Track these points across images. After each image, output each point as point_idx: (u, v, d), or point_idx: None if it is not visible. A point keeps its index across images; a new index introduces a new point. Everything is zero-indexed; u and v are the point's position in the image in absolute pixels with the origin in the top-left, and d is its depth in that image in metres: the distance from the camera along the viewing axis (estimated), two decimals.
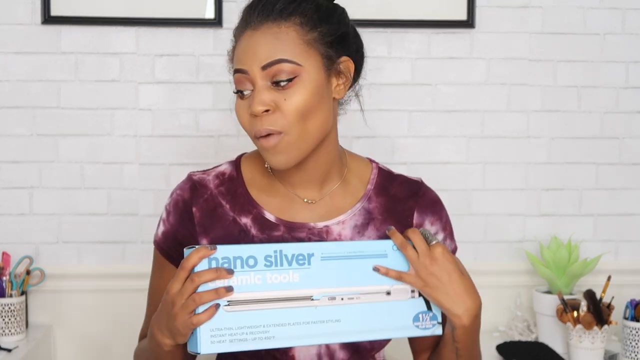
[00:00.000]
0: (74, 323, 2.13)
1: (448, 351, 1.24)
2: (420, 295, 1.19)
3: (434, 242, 1.18)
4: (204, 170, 1.31)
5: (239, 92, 1.20)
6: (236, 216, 1.26)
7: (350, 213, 1.28)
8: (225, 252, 1.12)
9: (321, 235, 1.25)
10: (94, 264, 2.13)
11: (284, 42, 1.18)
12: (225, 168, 1.31)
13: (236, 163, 1.32)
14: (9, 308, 1.97)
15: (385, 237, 1.24)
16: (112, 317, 2.12)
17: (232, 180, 1.29)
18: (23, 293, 2.02)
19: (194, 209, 1.26)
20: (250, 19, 1.20)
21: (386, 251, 1.19)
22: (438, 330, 1.21)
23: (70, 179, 2.12)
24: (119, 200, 2.12)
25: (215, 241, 1.26)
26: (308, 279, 1.14)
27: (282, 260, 1.14)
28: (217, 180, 1.29)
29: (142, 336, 1.34)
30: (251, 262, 1.13)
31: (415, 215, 1.31)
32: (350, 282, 1.17)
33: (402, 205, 1.31)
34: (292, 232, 1.25)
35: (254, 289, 1.12)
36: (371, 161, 1.36)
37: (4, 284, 1.99)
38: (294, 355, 1.24)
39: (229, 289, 1.10)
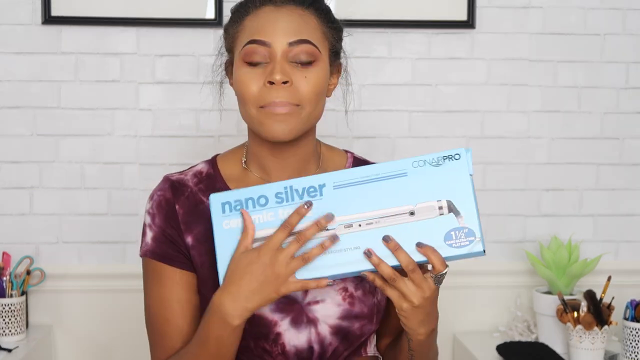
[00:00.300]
0: (74, 323, 2.13)
1: (404, 357, 1.27)
2: (450, 211, 1.09)
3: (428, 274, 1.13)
4: (180, 172, 1.33)
5: (251, 63, 1.21)
6: None
7: None
8: (237, 195, 1.13)
9: None
10: (94, 264, 2.13)
11: (309, 26, 1.23)
12: (202, 167, 1.33)
13: (212, 162, 1.34)
14: (9, 308, 1.97)
15: None
16: (112, 317, 2.12)
17: (210, 178, 1.31)
18: (23, 293, 2.02)
19: (177, 207, 1.28)
20: None
21: (405, 169, 1.11)
22: (477, 247, 1.08)
23: (71, 179, 2.12)
24: (119, 200, 2.12)
25: (199, 238, 1.27)
26: (321, 210, 1.11)
27: (293, 195, 1.12)
28: (196, 179, 1.31)
29: None
30: (262, 201, 1.12)
31: None
32: (368, 207, 1.10)
33: None
34: None
35: (268, 225, 1.12)
36: (347, 151, 1.39)
37: (4, 284, 1.99)
38: (284, 343, 1.24)
39: (334, 238, 1.11)
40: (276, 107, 1.20)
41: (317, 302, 1.25)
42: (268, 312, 1.23)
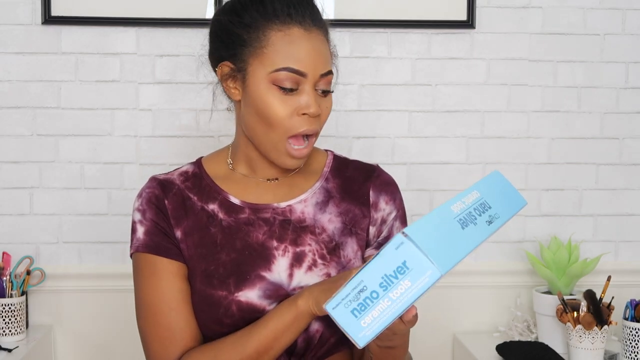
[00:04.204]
0: (74, 323, 2.13)
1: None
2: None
3: None
4: (166, 172, 1.38)
5: (285, 89, 1.24)
6: (204, 204, 1.32)
7: (310, 192, 1.35)
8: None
9: (285, 215, 1.31)
10: (94, 264, 2.13)
11: (328, 53, 1.28)
12: (188, 167, 1.38)
13: (197, 163, 1.39)
14: (9, 308, 1.98)
15: (345, 213, 1.31)
16: (112, 317, 2.12)
17: (196, 176, 1.36)
18: (23, 293, 2.02)
19: (166, 202, 1.32)
20: (296, 14, 1.24)
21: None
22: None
23: (71, 179, 2.12)
24: (119, 200, 2.12)
25: (187, 231, 1.30)
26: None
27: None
28: (182, 177, 1.36)
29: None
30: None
31: (371, 194, 1.36)
32: None
33: (357, 185, 1.37)
34: (257, 213, 1.31)
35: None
36: (327, 150, 1.43)
37: (4, 284, 1.99)
38: None
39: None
40: (297, 152, 1.25)
41: (301, 288, 1.28)
42: (256, 299, 1.26)
